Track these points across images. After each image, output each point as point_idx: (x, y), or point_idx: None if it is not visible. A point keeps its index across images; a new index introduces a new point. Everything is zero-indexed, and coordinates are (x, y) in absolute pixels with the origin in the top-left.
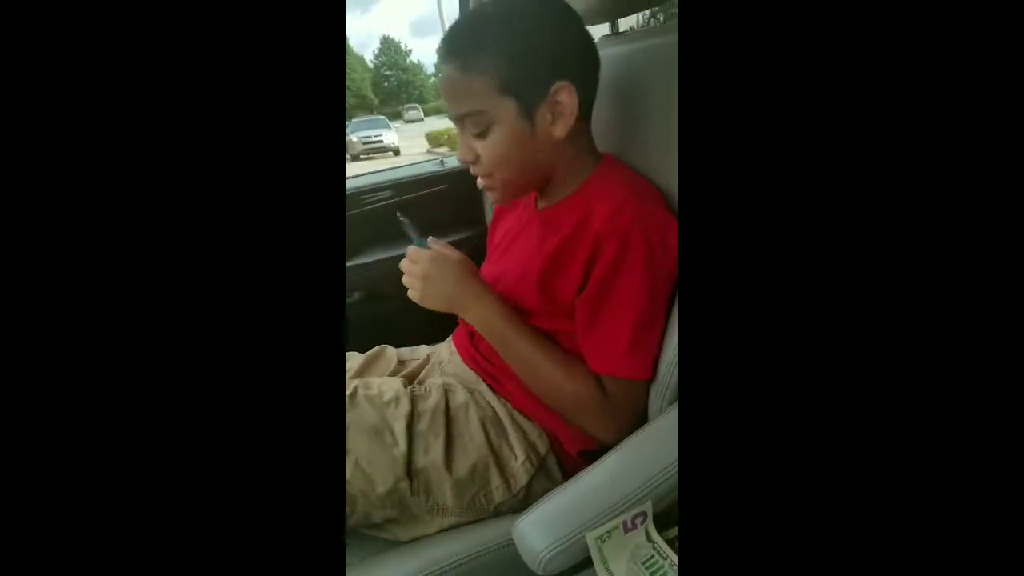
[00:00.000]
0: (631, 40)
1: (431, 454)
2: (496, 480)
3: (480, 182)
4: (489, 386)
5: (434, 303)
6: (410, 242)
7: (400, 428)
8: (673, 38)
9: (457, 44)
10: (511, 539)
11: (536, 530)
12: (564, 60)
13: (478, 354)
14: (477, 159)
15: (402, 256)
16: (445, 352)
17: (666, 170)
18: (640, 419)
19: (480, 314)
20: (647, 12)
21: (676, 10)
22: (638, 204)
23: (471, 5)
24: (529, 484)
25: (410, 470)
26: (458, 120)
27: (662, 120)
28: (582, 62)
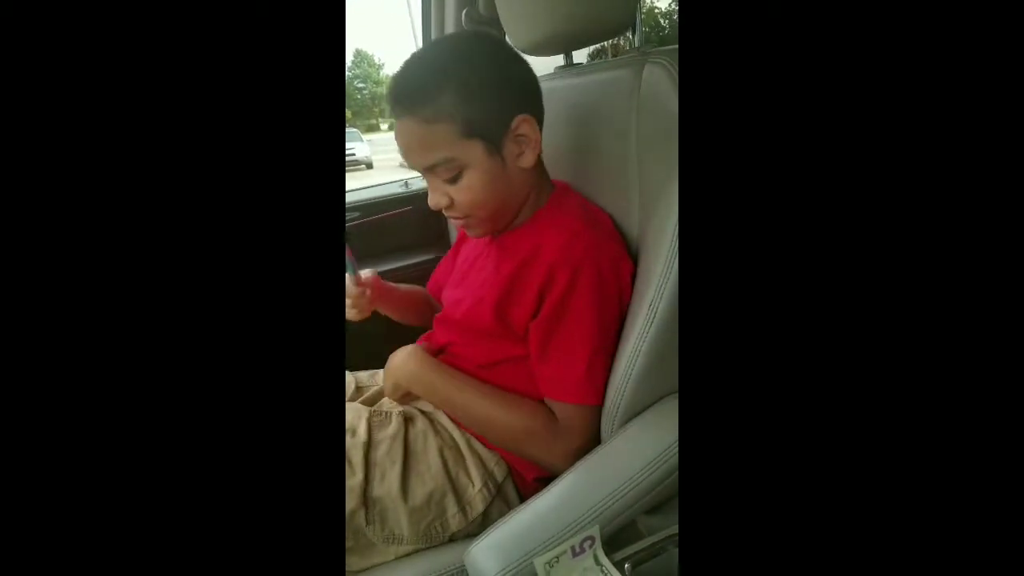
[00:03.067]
0: (585, 72)
1: (387, 482)
2: (452, 508)
3: (458, 223)
4: (447, 414)
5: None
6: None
7: (358, 458)
8: (624, 72)
9: (410, 97)
10: (463, 565)
11: (487, 556)
12: (517, 94)
13: None
14: (451, 203)
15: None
16: None
17: (616, 198)
18: (592, 444)
19: (415, 374)
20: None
21: (628, 44)
22: (589, 234)
23: (433, 28)
24: (486, 512)
25: (366, 499)
26: (427, 170)
27: (613, 150)
28: (533, 94)
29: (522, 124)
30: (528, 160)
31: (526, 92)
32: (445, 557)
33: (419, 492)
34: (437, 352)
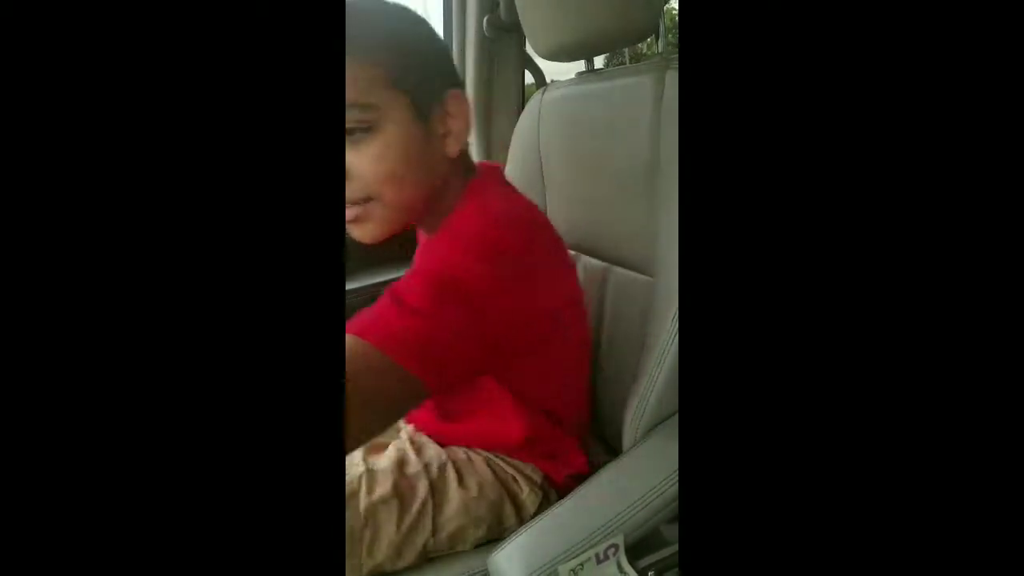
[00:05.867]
0: (605, 78)
1: (451, 505)
2: (509, 512)
3: (350, 213)
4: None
5: None
6: None
7: (423, 486)
8: (646, 78)
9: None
10: (487, 571)
11: (510, 563)
12: (452, 69)
13: (438, 436)
14: (349, 177)
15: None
16: None
17: (634, 207)
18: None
19: None
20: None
21: (648, 51)
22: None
23: (455, 33)
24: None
25: (434, 526)
26: None
27: (634, 157)
28: (462, 85)
29: (454, 99)
30: (453, 148)
31: (457, 75)
32: (468, 562)
33: (481, 505)
34: None
